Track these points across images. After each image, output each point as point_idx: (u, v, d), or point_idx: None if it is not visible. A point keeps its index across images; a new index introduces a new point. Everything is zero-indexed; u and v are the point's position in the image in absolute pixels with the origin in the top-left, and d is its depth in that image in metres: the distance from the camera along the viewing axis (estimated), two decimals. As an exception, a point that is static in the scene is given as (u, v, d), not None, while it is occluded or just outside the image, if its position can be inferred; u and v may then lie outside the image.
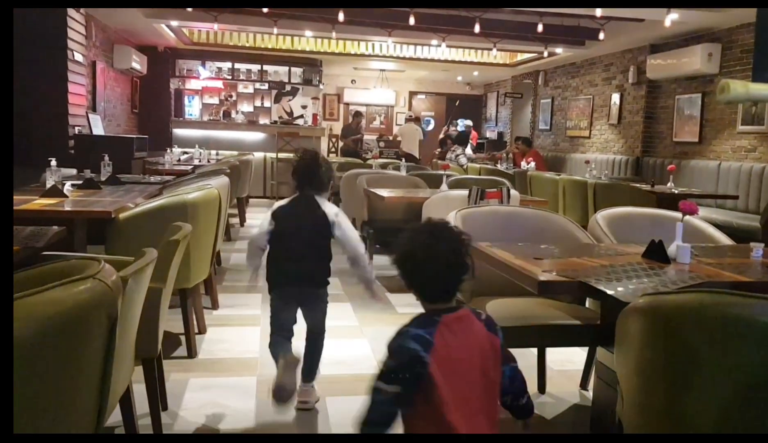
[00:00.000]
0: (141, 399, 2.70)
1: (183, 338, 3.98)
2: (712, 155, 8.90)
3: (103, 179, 5.31)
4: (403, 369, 1.66)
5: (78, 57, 7.59)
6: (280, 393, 2.82)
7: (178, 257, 2.80)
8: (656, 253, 2.73)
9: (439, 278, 1.78)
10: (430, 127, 18.02)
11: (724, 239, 3.54)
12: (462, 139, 13.18)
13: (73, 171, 5.97)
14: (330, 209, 3.16)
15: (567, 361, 4.02)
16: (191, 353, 3.89)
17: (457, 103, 17.05)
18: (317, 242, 3.13)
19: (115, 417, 2.47)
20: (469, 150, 12.96)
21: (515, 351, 3.98)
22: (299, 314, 3.22)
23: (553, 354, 3.98)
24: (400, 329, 1.73)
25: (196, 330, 4.15)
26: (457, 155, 12.57)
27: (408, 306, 5.16)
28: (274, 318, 3.16)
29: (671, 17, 7.71)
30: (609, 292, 2.21)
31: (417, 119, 15.14)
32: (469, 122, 15.40)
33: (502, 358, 1.80)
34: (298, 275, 3.12)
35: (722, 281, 2.42)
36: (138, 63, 11.31)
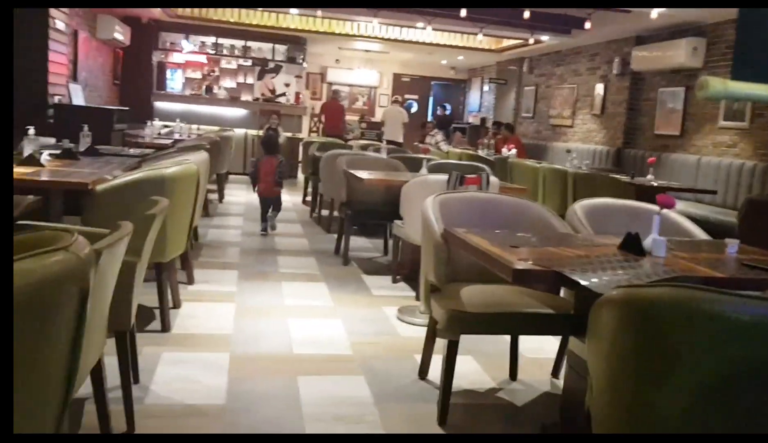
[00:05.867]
0: (113, 371, 2.68)
1: (157, 312, 3.96)
2: (692, 150, 8.97)
3: (81, 149, 5.25)
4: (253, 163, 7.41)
5: (60, 25, 7.47)
6: None
7: (154, 231, 2.78)
8: (632, 245, 2.75)
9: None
10: (414, 110, 18.00)
11: (700, 234, 3.57)
12: (444, 123, 13.15)
13: (52, 140, 5.88)
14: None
15: (539, 349, 4.05)
16: (165, 327, 3.87)
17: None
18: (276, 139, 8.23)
19: (86, 389, 2.46)
20: (440, 137, 12.94)
21: (489, 338, 4.04)
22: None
23: (525, 341, 4.01)
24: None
25: (171, 305, 4.13)
26: (438, 142, 12.55)
27: (382, 288, 5.20)
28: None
29: (658, 9, 7.73)
30: (583, 283, 2.22)
31: (402, 102, 15.06)
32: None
33: (277, 162, 7.09)
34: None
35: (696, 275, 2.44)
36: (121, 34, 11.13)
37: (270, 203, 7.19)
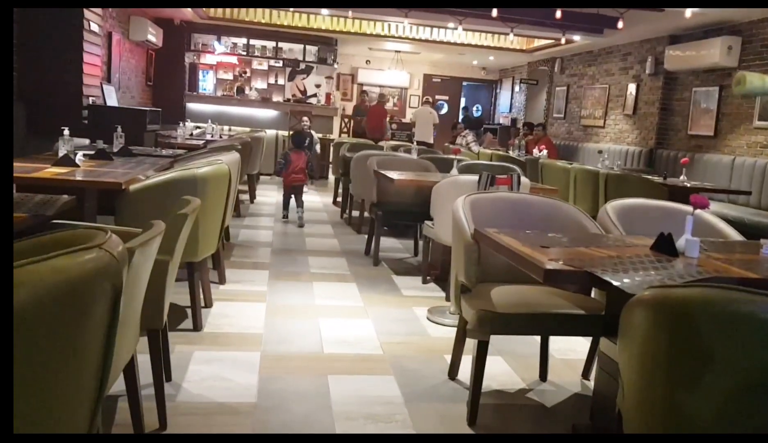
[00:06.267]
0: (146, 369, 2.72)
1: (189, 311, 4.00)
2: (726, 150, 8.83)
3: (115, 150, 5.33)
4: (283, 155, 8.15)
5: (94, 27, 7.59)
6: None
7: (186, 230, 2.81)
8: (665, 246, 2.71)
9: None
10: (444, 111, 17.97)
11: (734, 235, 3.51)
12: (475, 125, 13.07)
13: (86, 141, 5.99)
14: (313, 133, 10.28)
15: (570, 350, 4.02)
16: (197, 326, 3.91)
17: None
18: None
19: (120, 386, 2.50)
20: (470, 137, 12.91)
21: (519, 338, 4.02)
22: None
23: (556, 342, 3.99)
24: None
25: (203, 304, 4.17)
26: (468, 143, 12.49)
27: (412, 289, 5.19)
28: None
29: (692, 8, 7.63)
30: (615, 283, 2.20)
31: (433, 103, 14.98)
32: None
33: (307, 157, 8.00)
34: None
35: (730, 276, 2.40)
36: (154, 36, 11.28)
37: (293, 193, 8.01)
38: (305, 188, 8.21)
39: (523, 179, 5.09)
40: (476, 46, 13.75)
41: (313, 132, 9.15)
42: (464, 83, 18.56)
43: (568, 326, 3.07)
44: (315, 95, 14.43)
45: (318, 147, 9.07)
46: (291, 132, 8.24)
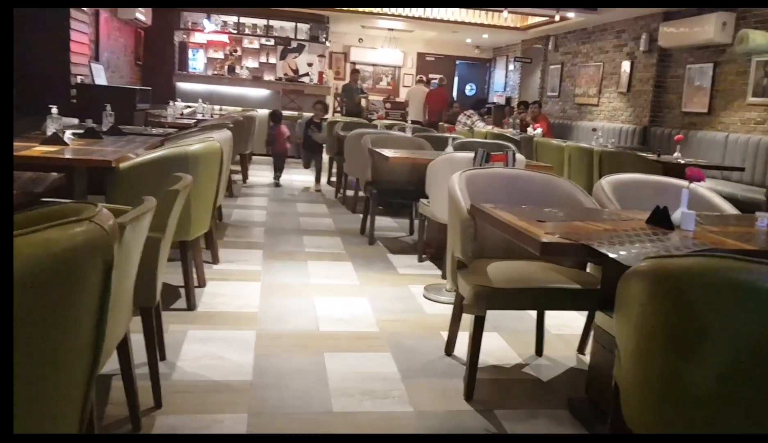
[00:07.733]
0: (140, 348, 2.70)
1: (183, 291, 3.98)
2: (720, 127, 8.81)
3: (104, 129, 5.27)
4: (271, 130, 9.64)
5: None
6: None
7: (177, 207, 2.77)
8: (660, 219, 2.70)
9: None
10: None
11: (729, 209, 3.51)
12: (478, 104, 12.97)
13: (75, 120, 5.92)
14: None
15: (564, 326, 4.02)
16: (191, 305, 3.89)
17: None
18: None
19: (114, 365, 2.48)
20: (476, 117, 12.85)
21: (514, 314, 4.01)
22: None
23: (551, 318, 3.99)
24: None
25: (196, 283, 4.15)
26: (474, 122, 12.36)
27: (408, 267, 5.18)
28: None
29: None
30: (611, 255, 2.19)
31: (426, 82, 14.88)
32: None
33: (290, 133, 9.62)
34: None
35: (726, 248, 2.39)
36: (142, 14, 11.13)
37: (280, 158, 9.41)
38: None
39: (519, 156, 5.06)
40: (470, 24, 13.66)
41: (324, 120, 9.25)
42: (458, 62, 18.45)
43: (564, 300, 3.07)
44: (307, 74, 14.32)
45: (324, 134, 9.17)
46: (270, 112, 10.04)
